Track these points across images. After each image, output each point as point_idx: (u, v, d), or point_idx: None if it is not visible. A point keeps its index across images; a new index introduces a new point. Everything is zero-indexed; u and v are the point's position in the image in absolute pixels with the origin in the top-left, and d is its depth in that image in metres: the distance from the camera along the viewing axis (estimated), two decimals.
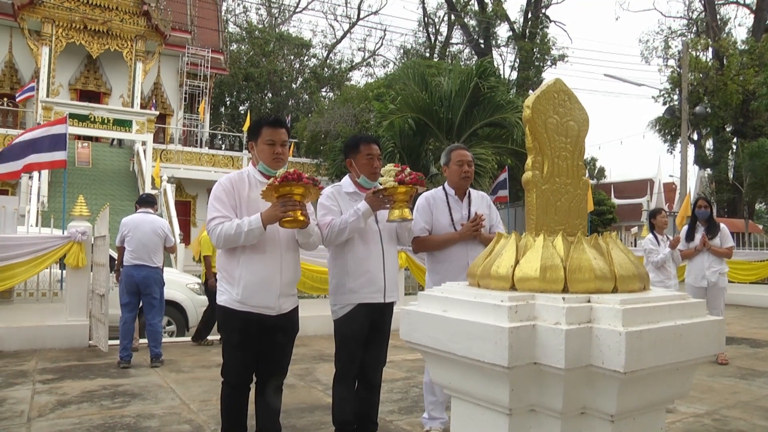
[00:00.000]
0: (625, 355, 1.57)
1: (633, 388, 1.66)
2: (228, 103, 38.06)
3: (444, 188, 4.19)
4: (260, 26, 39.67)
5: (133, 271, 6.68)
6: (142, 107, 25.43)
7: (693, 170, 30.17)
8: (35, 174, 18.25)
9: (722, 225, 7.28)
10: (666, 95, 28.93)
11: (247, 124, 27.34)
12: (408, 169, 3.45)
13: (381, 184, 3.47)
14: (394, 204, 3.45)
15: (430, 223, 4.06)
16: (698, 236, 7.15)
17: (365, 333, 3.65)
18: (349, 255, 3.62)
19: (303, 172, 3.12)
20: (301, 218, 3.08)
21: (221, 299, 3.33)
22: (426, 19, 38.13)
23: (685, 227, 7.44)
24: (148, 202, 7.16)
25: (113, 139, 24.76)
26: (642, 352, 1.60)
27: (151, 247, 6.73)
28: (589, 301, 1.74)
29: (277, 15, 41.55)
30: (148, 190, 20.09)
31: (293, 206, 3.05)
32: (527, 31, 33.23)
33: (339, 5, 53.40)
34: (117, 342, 6.78)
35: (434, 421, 4.09)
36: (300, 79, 37.96)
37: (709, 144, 30.66)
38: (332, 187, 3.76)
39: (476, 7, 34.24)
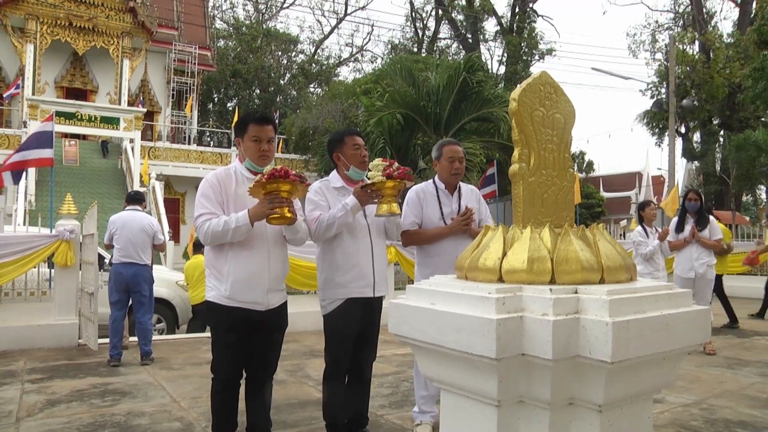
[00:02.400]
0: (612, 345, 1.58)
1: (620, 377, 1.67)
2: (216, 99, 37.93)
3: (434, 182, 4.18)
4: (247, 22, 39.50)
5: (122, 268, 6.64)
6: (129, 104, 25.31)
7: (681, 163, 30.43)
8: (22, 173, 18.11)
9: (711, 218, 7.34)
10: (653, 88, 29.10)
11: (235, 120, 27.28)
12: (396, 164, 3.45)
13: (369, 179, 3.47)
14: (382, 199, 3.45)
15: (419, 217, 4.05)
16: (688, 228, 7.20)
17: (355, 328, 3.64)
18: (338, 250, 3.61)
19: (291, 168, 3.12)
20: (289, 215, 3.08)
21: (210, 295, 3.32)
22: (413, 14, 38.11)
23: (675, 219, 7.50)
24: (136, 199, 7.11)
25: (103, 147, 24.39)
26: (629, 341, 1.62)
27: (139, 244, 6.69)
28: (576, 292, 1.75)
29: (264, 11, 41.38)
30: (137, 187, 19.98)
31: (280, 203, 3.05)
32: (515, 25, 33.28)
33: (326, 1, 53.32)
34: (107, 340, 6.74)
35: (425, 414, 4.10)
36: (288, 75, 37.87)
37: (696, 137, 30.89)
38: (320, 182, 3.74)
39: (463, 2, 34.24)
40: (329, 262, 3.65)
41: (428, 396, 4.09)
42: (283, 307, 3.48)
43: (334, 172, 3.81)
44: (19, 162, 9.42)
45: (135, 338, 6.94)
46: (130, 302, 6.84)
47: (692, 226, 7.16)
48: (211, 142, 33.90)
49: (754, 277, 13.64)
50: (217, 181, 3.30)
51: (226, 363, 3.37)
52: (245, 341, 3.35)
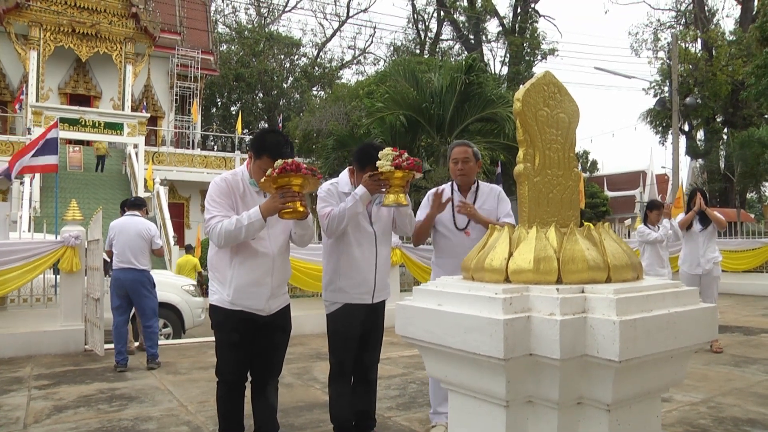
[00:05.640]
0: (620, 343, 1.57)
1: (628, 376, 1.67)
2: (219, 103, 38.00)
3: (452, 183, 4.22)
4: (250, 26, 39.59)
5: (121, 274, 6.64)
6: (132, 110, 25.34)
7: (685, 161, 30.37)
8: (27, 179, 18.18)
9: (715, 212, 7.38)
10: (656, 87, 29.09)
11: (239, 124, 27.35)
12: (405, 154, 3.39)
13: (378, 168, 3.41)
14: (389, 189, 3.40)
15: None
16: (695, 223, 7.20)
17: (357, 329, 3.67)
18: (342, 255, 3.63)
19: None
20: (301, 209, 3.03)
21: (213, 298, 3.32)
22: (415, 15, 38.14)
23: (681, 215, 7.53)
24: (135, 204, 7.13)
25: (98, 164, 24.19)
26: (636, 340, 1.61)
27: (136, 249, 6.68)
28: (582, 292, 1.74)
29: (266, 14, 41.47)
30: (141, 192, 20.03)
31: (292, 197, 2.99)
32: (517, 25, 33.28)
33: (328, 4, 53.31)
34: (113, 346, 6.75)
35: (440, 416, 4.09)
36: (291, 79, 37.93)
37: (700, 135, 30.85)
38: (329, 184, 3.73)
39: (465, 3, 34.25)
40: (333, 265, 3.67)
41: (445, 397, 4.08)
42: (286, 309, 3.48)
43: (343, 175, 3.78)
44: (24, 168, 9.47)
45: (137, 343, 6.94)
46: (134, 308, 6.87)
47: (699, 199, 7.13)
48: (215, 147, 33.99)
49: (756, 274, 13.56)
50: (226, 185, 3.28)
51: (229, 365, 3.37)
52: (248, 342, 3.35)
